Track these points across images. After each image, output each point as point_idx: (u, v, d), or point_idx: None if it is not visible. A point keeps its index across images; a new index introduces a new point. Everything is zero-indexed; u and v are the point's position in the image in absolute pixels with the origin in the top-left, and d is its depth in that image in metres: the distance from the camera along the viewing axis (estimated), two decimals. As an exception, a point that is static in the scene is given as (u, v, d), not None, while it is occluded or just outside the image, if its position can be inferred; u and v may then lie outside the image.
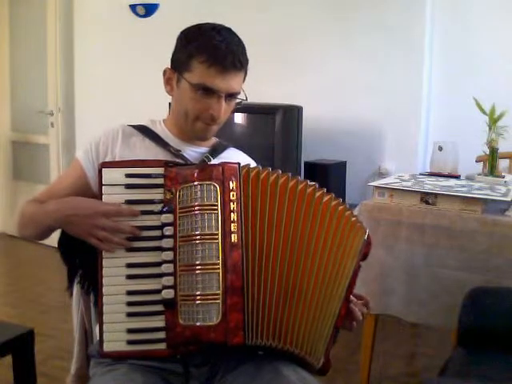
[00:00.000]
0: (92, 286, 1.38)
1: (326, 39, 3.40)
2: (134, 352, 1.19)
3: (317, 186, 1.26)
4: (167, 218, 1.19)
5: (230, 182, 1.19)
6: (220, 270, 1.15)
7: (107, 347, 1.18)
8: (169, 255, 1.18)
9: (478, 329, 1.67)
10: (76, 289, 1.40)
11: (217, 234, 1.16)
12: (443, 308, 2.02)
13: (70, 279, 1.41)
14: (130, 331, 1.18)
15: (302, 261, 1.22)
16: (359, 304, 1.35)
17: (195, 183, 1.18)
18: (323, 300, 1.26)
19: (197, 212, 1.17)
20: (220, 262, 1.16)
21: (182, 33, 1.37)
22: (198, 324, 1.15)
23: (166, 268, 1.18)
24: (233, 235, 1.17)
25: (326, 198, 1.26)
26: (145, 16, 3.92)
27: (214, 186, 1.18)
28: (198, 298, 1.15)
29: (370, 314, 2.22)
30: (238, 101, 1.37)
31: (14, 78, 4.58)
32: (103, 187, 1.21)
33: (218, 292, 1.15)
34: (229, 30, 1.35)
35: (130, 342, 1.18)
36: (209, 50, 1.28)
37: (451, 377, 1.56)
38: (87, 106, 4.22)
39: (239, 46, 1.33)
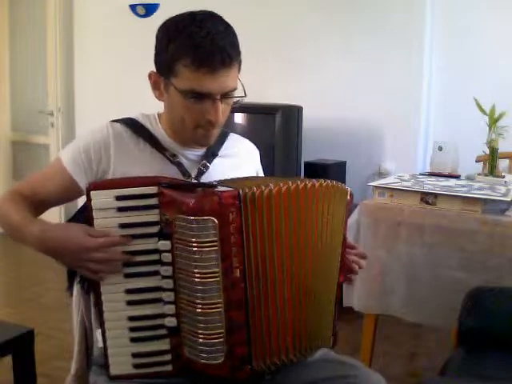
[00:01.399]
0: (92, 286, 1.38)
1: (326, 39, 3.40)
2: (142, 374, 1.18)
3: (307, 182, 1.19)
4: (164, 245, 1.14)
5: (230, 214, 1.09)
6: (222, 309, 1.11)
7: (114, 370, 1.19)
8: (169, 283, 1.15)
9: (478, 329, 1.67)
10: (76, 289, 1.40)
11: (217, 272, 1.10)
12: (443, 308, 2.02)
13: (70, 279, 1.40)
14: (136, 355, 1.18)
15: (308, 261, 1.20)
16: (353, 255, 1.34)
17: (191, 218, 1.09)
18: (327, 286, 1.26)
19: (195, 249, 1.09)
20: (222, 300, 1.11)
21: (159, 30, 1.24)
22: (202, 361, 1.13)
23: (167, 296, 1.15)
24: (235, 270, 1.11)
25: (314, 184, 1.20)
26: (145, 16, 3.92)
27: (212, 220, 1.08)
28: (201, 336, 1.12)
29: (370, 314, 2.23)
30: (236, 99, 1.24)
31: (13, 78, 4.59)
32: (94, 211, 1.15)
33: (221, 331, 1.11)
34: (212, 17, 1.21)
35: (136, 366, 1.18)
36: (192, 50, 1.15)
37: (451, 377, 1.56)
38: (87, 106, 4.22)
39: (226, 37, 1.19)
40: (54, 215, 3.82)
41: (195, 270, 1.10)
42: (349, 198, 1.30)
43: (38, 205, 1.32)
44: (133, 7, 3.95)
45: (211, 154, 1.35)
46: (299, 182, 1.17)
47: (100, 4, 4.13)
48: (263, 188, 1.13)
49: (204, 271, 1.10)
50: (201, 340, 1.12)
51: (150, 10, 3.89)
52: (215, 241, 1.09)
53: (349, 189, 1.30)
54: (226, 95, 1.21)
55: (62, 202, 1.38)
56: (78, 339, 1.41)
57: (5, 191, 1.34)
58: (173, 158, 1.30)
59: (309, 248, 1.20)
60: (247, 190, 1.11)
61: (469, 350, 1.66)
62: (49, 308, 3.17)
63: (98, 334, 1.23)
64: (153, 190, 1.14)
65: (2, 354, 1.66)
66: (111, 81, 4.10)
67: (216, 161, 1.36)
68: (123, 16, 4.00)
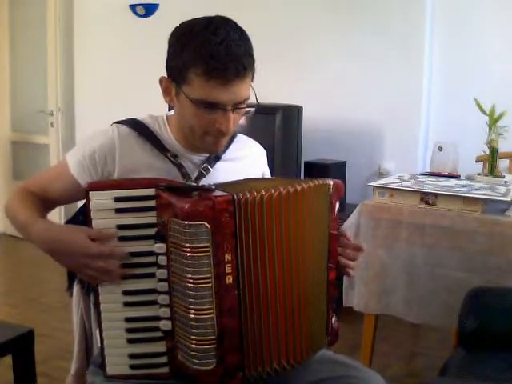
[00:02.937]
0: (92, 286, 1.38)
1: (326, 39, 3.40)
2: (138, 375, 1.19)
3: (297, 186, 1.18)
4: (160, 248, 1.14)
5: (223, 219, 1.08)
6: (214, 315, 1.10)
7: (110, 370, 1.19)
8: (164, 286, 1.15)
9: (478, 329, 1.67)
10: (76, 289, 1.40)
11: (209, 278, 1.09)
12: (443, 308, 2.02)
13: (70, 279, 1.40)
14: (132, 356, 1.18)
15: (300, 265, 1.19)
16: (349, 250, 1.31)
17: (185, 223, 1.08)
18: (318, 288, 1.25)
19: (188, 254, 1.09)
20: (214, 306, 1.10)
21: (172, 35, 1.21)
22: (194, 367, 1.13)
23: (162, 299, 1.15)
24: (227, 277, 1.10)
25: (304, 188, 1.19)
26: (145, 16, 3.92)
27: (205, 225, 1.07)
28: (194, 341, 1.11)
29: (370, 314, 2.23)
30: (247, 109, 1.22)
31: (13, 77, 4.58)
32: (92, 212, 1.15)
33: (212, 337, 1.11)
34: (226, 23, 1.18)
35: (132, 367, 1.18)
36: (205, 59, 1.12)
37: (451, 377, 1.56)
38: (87, 106, 4.22)
39: (241, 45, 1.16)
40: (54, 214, 3.82)
41: (188, 275, 1.10)
42: (331, 190, 1.26)
43: (46, 202, 1.33)
44: (133, 7, 3.95)
45: (214, 158, 1.34)
46: (290, 187, 1.16)
47: (100, 4, 4.13)
48: (255, 194, 1.12)
49: (196, 276, 1.09)
50: (194, 345, 1.12)
51: (149, 10, 3.89)
52: (208, 246, 1.09)
53: (331, 181, 1.26)
54: (237, 105, 1.19)
55: (70, 202, 1.39)
56: (77, 339, 1.41)
57: (15, 187, 1.36)
58: (174, 160, 1.29)
59: (300, 252, 1.19)
60: (241, 196, 1.10)
61: (469, 350, 1.66)
62: (49, 308, 3.17)
63: (98, 333, 1.24)
64: (151, 192, 1.14)
65: (2, 354, 1.66)
66: (111, 81, 4.10)
67: (220, 164, 1.35)
68: (123, 16, 4.00)
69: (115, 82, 4.08)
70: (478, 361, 1.60)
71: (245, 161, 1.42)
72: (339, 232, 1.30)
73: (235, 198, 1.10)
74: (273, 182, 1.31)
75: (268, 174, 1.52)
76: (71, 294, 1.42)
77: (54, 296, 3.29)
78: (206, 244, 1.08)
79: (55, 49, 4.23)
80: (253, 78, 1.22)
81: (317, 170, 3.11)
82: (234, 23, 1.20)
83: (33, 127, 4.54)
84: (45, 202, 1.33)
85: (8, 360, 1.68)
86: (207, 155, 1.33)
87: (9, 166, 4.68)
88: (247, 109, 1.22)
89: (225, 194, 1.11)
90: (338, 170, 3.15)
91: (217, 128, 1.20)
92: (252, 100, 1.24)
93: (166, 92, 1.25)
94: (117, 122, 1.33)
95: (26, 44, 4.49)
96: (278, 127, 3.03)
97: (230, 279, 1.10)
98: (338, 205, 1.28)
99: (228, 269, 1.10)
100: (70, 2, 4.21)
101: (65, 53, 4.25)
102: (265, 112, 3.08)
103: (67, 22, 4.22)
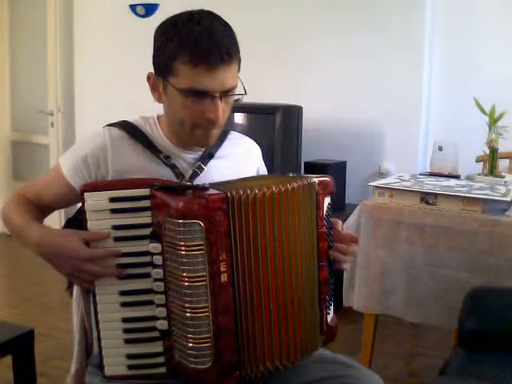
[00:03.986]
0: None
1: (326, 39, 3.40)
2: (136, 375, 1.19)
3: (288, 185, 1.18)
4: (155, 247, 1.14)
5: (217, 218, 1.09)
6: (209, 313, 1.10)
7: (108, 371, 1.19)
8: (160, 286, 1.15)
9: (478, 329, 1.67)
10: (76, 289, 1.40)
11: (204, 276, 1.09)
12: (443, 308, 2.02)
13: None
14: (130, 357, 1.18)
15: (292, 264, 1.19)
16: (341, 243, 1.30)
17: (178, 221, 1.08)
18: (309, 288, 1.25)
19: (183, 252, 1.09)
20: (209, 304, 1.10)
21: (157, 31, 1.23)
22: (191, 366, 1.13)
23: (158, 299, 1.15)
24: (222, 275, 1.10)
25: (294, 187, 1.19)
26: (145, 16, 3.93)
27: (199, 224, 1.08)
28: (191, 340, 1.12)
29: (370, 314, 2.23)
30: (236, 97, 1.23)
31: (14, 77, 4.59)
32: (87, 213, 1.15)
33: (208, 335, 1.11)
34: (209, 15, 1.20)
35: (130, 367, 1.18)
36: (190, 47, 1.14)
37: (451, 377, 1.56)
38: (87, 106, 4.22)
39: (224, 33, 1.17)
40: (54, 215, 3.82)
41: (183, 274, 1.10)
42: (317, 188, 1.25)
43: (42, 208, 1.34)
44: (133, 7, 3.95)
45: (207, 156, 1.34)
46: (281, 186, 1.17)
47: (100, 4, 4.13)
48: (249, 192, 1.12)
49: (192, 275, 1.10)
50: (190, 344, 1.12)
51: (149, 9, 3.89)
52: (202, 244, 1.09)
53: (316, 179, 1.26)
54: (225, 93, 1.20)
55: (66, 207, 1.39)
56: (77, 339, 1.40)
57: (10, 194, 1.36)
58: (167, 160, 1.29)
59: (292, 251, 1.20)
60: (235, 194, 1.11)
61: (469, 349, 1.66)
62: (49, 308, 3.17)
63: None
64: (145, 192, 1.14)
65: (2, 354, 1.66)
66: (111, 81, 4.10)
67: (214, 162, 1.34)
68: (123, 16, 4.00)
69: (115, 82, 4.07)
70: (478, 361, 1.60)
71: (239, 157, 1.42)
72: (329, 225, 1.29)
73: (229, 196, 1.10)
74: (265, 180, 1.31)
75: (264, 169, 1.51)
76: (71, 294, 1.42)
77: (53, 296, 3.29)
78: (201, 242, 1.09)
79: (55, 49, 4.24)
80: (239, 68, 1.23)
81: (317, 170, 3.11)
82: (217, 15, 1.21)
83: (33, 127, 4.55)
84: (40, 208, 1.33)
85: (8, 360, 1.68)
86: (200, 153, 1.33)
87: (9, 166, 4.68)
88: (236, 97, 1.22)
89: (218, 192, 1.12)
90: (338, 170, 3.16)
91: (206, 118, 1.20)
92: (247, 99, 1.23)
93: (153, 88, 1.26)
94: (109, 125, 1.33)
95: (25, 44, 4.49)
96: (278, 127, 3.04)
97: (224, 277, 1.11)
98: (328, 200, 1.28)
99: (223, 267, 1.10)
100: (69, 2, 4.22)
101: (65, 53, 4.25)
102: (265, 112, 3.10)
103: (67, 22, 4.23)
